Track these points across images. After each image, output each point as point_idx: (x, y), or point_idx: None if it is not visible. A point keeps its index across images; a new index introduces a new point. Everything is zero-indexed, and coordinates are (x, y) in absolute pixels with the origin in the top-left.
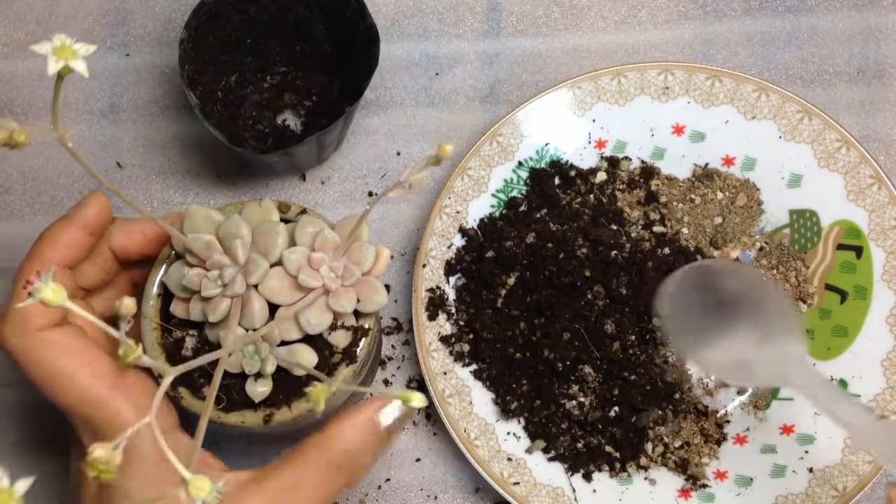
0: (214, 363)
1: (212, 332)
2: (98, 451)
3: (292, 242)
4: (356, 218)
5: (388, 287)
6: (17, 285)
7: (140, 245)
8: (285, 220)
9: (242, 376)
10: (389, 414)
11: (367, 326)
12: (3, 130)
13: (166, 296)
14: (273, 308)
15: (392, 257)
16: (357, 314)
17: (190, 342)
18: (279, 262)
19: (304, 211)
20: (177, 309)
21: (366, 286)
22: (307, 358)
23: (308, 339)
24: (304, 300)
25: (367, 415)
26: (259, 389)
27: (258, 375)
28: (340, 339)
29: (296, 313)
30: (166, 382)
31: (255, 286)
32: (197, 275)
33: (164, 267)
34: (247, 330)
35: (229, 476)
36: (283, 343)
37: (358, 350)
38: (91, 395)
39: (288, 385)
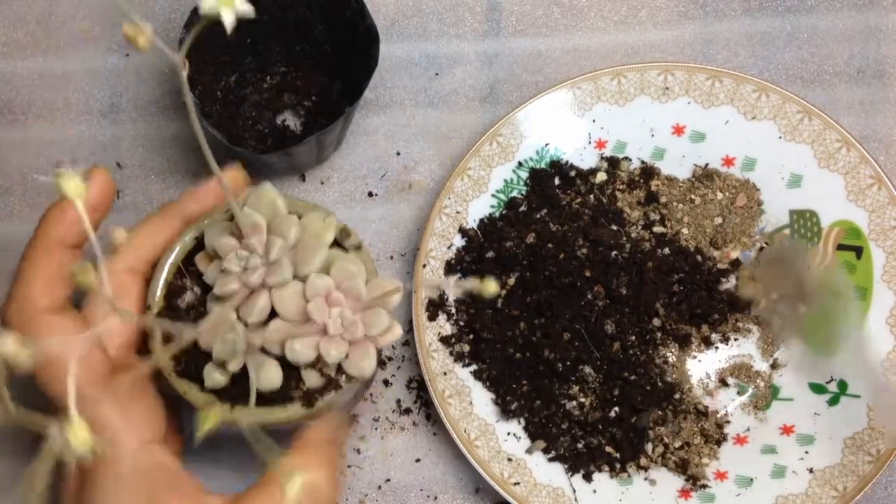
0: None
1: (212, 303)
2: (8, 345)
3: (328, 269)
4: (392, 283)
5: None
6: (24, 263)
7: (212, 207)
8: (338, 244)
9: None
10: (327, 429)
11: (340, 383)
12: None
13: (198, 248)
14: (274, 315)
15: (392, 258)
16: (340, 367)
17: (189, 297)
18: (304, 279)
19: (359, 247)
20: (200, 262)
21: (360, 349)
22: (270, 376)
23: (287, 362)
24: (300, 326)
25: (313, 436)
26: (215, 376)
27: (224, 364)
28: (312, 379)
29: (287, 334)
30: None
31: (270, 287)
32: (228, 245)
33: (208, 220)
34: (241, 321)
35: (204, 499)
36: (264, 350)
37: (320, 400)
38: (82, 389)
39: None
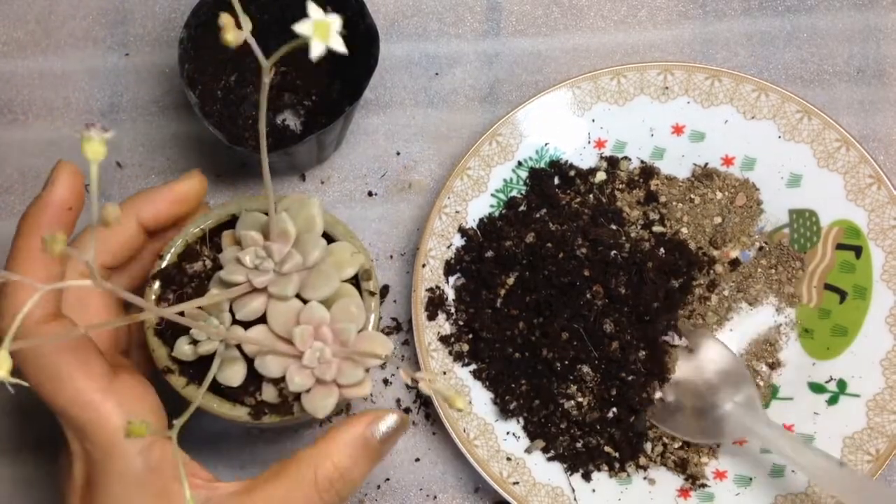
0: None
1: (214, 283)
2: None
3: (332, 301)
4: (382, 345)
5: (387, 287)
6: (7, 280)
7: (170, 210)
8: (357, 282)
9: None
10: (383, 427)
11: (293, 410)
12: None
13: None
14: (262, 320)
15: (391, 257)
16: (300, 396)
17: (198, 266)
18: (305, 301)
19: (374, 294)
20: (225, 238)
21: (324, 390)
22: (233, 374)
23: (254, 367)
24: (279, 342)
25: (359, 429)
26: (185, 348)
27: (196, 341)
28: (269, 394)
29: (262, 346)
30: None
31: (270, 293)
32: (251, 240)
33: (250, 203)
34: (231, 312)
35: (217, 487)
36: (238, 348)
37: (267, 416)
38: (84, 396)
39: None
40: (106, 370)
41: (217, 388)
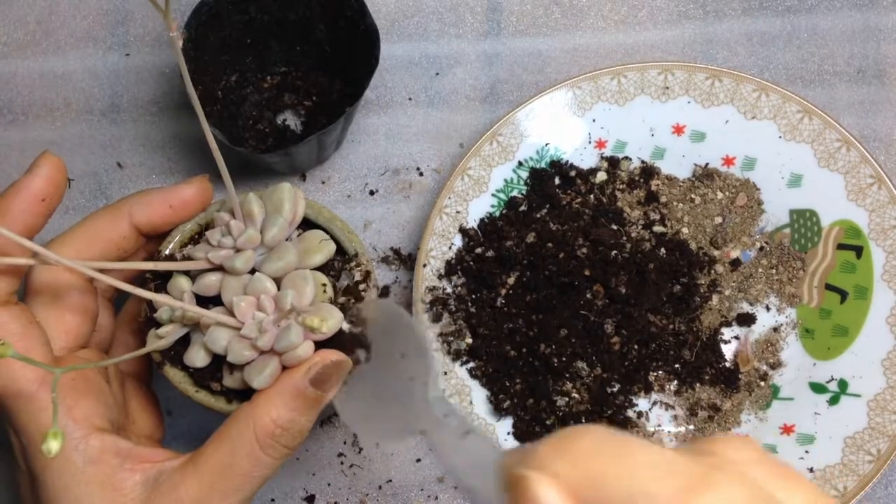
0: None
1: (200, 281)
2: None
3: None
4: (328, 309)
5: (387, 288)
6: None
7: (166, 215)
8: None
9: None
10: (313, 372)
11: (240, 389)
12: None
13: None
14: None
15: (391, 257)
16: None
17: (192, 250)
18: (277, 280)
19: (356, 313)
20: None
21: (263, 360)
22: (192, 355)
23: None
24: (225, 316)
25: (294, 379)
26: (155, 331)
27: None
28: (230, 380)
29: (208, 318)
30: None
31: (224, 269)
32: (221, 220)
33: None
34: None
35: (168, 463)
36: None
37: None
38: (20, 384)
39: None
40: (50, 360)
41: (202, 382)
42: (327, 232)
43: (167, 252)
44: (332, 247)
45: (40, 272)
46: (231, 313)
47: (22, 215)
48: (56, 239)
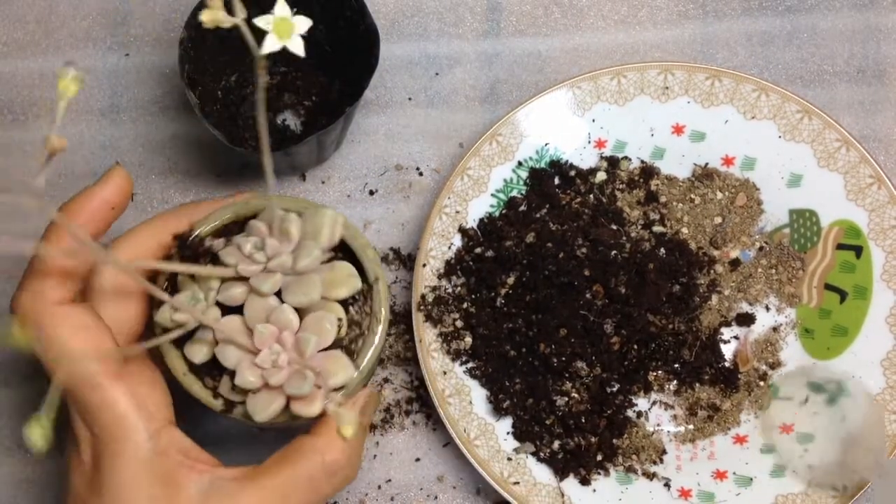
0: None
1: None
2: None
3: (313, 311)
4: (341, 361)
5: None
6: (36, 257)
7: (102, 222)
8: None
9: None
10: (360, 403)
11: (233, 400)
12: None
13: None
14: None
15: (391, 257)
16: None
17: (218, 245)
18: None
19: (381, 321)
20: (251, 226)
21: (270, 394)
22: (194, 350)
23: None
24: (242, 335)
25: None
26: (165, 313)
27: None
28: (225, 386)
29: (223, 333)
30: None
31: (251, 286)
32: (256, 230)
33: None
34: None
35: (220, 472)
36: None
37: (231, 409)
38: (93, 378)
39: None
40: (118, 357)
41: (194, 370)
42: (356, 254)
43: (200, 236)
44: (358, 284)
45: (101, 273)
46: (248, 330)
47: (92, 220)
48: (114, 242)
